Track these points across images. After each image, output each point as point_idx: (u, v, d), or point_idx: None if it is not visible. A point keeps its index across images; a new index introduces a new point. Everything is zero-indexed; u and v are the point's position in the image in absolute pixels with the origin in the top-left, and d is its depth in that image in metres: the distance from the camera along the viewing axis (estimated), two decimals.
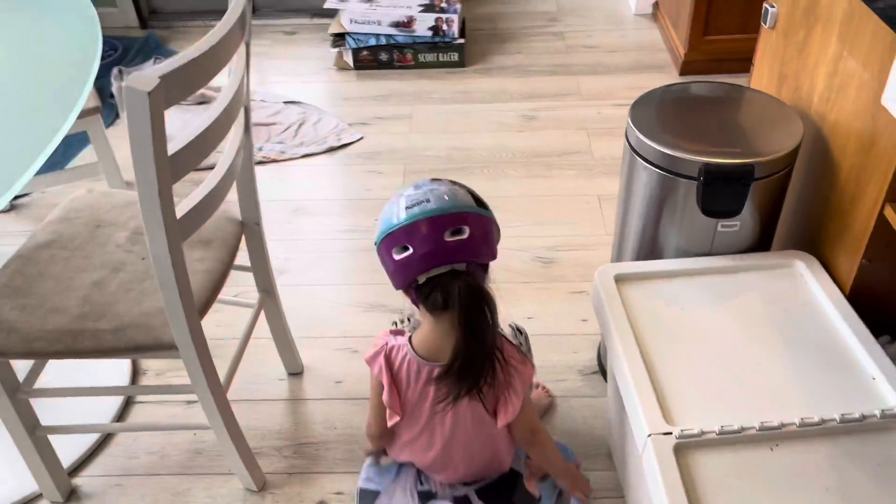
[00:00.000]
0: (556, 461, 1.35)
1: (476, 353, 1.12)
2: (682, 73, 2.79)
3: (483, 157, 2.44)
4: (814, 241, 1.42)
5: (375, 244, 1.15)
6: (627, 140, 1.41)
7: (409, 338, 1.23)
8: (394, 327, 1.44)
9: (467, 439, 1.25)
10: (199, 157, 1.10)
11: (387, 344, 1.24)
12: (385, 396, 1.23)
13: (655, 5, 3.18)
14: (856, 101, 1.25)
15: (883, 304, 1.29)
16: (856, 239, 1.26)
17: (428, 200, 1.10)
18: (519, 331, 1.46)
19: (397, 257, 1.11)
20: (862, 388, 1.14)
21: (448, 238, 1.09)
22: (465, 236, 1.10)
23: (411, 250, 1.09)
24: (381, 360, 1.22)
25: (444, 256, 1.10)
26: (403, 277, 1.14)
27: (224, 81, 1.20)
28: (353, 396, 1.68)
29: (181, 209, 1.10)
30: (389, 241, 1.11)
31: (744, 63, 2.25)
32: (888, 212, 1.17)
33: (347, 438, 1.59)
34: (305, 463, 1.55)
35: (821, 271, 1.34)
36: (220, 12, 1.12)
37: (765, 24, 1.60)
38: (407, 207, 1.10)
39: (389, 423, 1.26)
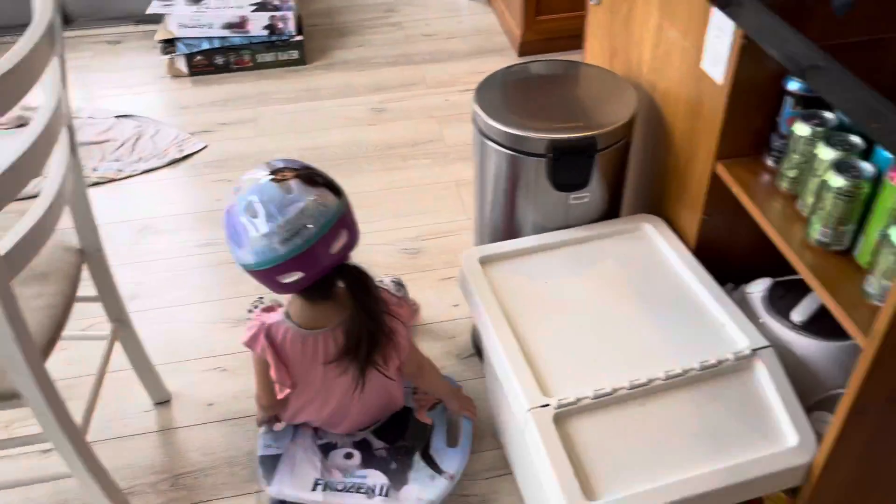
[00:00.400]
0: (443, 386, 1.46)
1: (372, 328, 1.20)
2: (521, 55, 2.86)
3: (336, 153, 2.40)
4: (659, 203, 1.51)
5: (247, 270, 1.13)
6: (475, 124, 1.42)
7: (286, 313, 1.25)
8: (254, 309, 1.44)
9: (364, 392, 1.28)
10: (18, 186, 0.99)
11: (263, 323, 1.25)
12: (273, 373, 1.25)
13: None
14: (680, 69, 1.33)
15: (725, 255, 1.38)
16: (694, 197, 1.35)
17: (305, 226, 1.08)
18: (400, 284, 1.50)
19: (286, 280, 1.13)
20: (715, 335, 1.22)
21: (335, 251, 1.12)
22: (346, 239, 1.14)
23: (303, 274, 1.12)
24: (262, 339, 1.24)
25: (333, 264, 1.14)
26: (291, 291, 1.19)
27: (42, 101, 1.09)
28: (228, 417, 1.60)
29: (5, 244, 0.99)
30: (274, 271, 1.11)
31: (577, 40, 2.34)
32: (719, 169, 1.25)
33: (227, 461, 1.52)
34: (185, 494, 1.47)
35: (667, 230, 1.42)
36: (23, 27, 1.02)
37: (591, 0, 1.67)
38: (286, 239, 1.07)
39: (280, 396, 1.30)
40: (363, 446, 1.40)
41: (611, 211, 1.49)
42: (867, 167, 1.01)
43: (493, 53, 2.91)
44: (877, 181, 0.99)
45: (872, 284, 0.97)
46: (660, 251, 1.39)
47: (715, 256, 1.37)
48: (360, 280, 1.18)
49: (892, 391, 0.97)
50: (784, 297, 1.28)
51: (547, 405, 1.11)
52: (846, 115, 1.00)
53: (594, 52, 1.73)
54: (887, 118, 0.82)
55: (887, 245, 0.93)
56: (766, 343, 1.19)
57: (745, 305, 1.30)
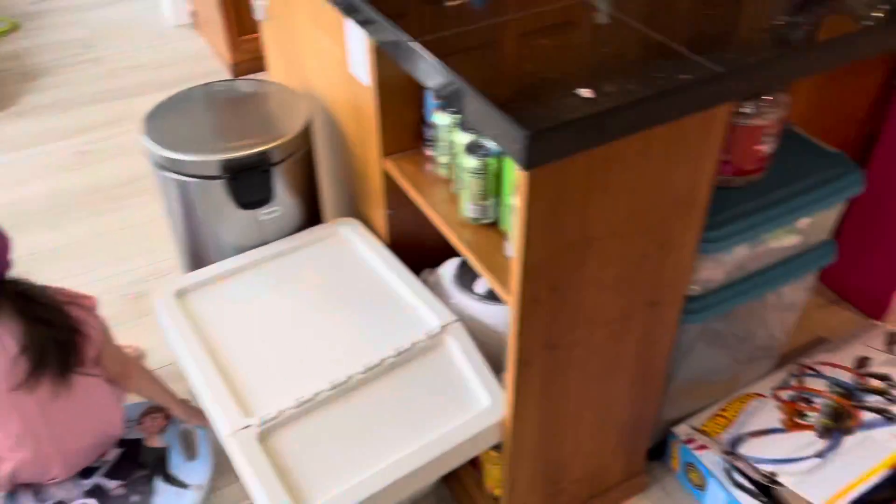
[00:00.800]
0: (160, 388, 1.40)
1: (55, 334, 1.15)
2: (236, 76, 2.82)
3: (39, 207, 2.21)
4: (354, 205, 1.56)
5: None
6: (148, 156, 1.38)
7: None
8: None
9: (67, 405, 1.21)
10: None
11: None
12: None
13: (193, 14, 3.16)
14: (337, 75, 1.38)
15: (418, 243, 1.46)
16: (376, 194, 1.41)
17: None
18: None
19: None
20: (410, 321, 1.29)
21: None
22: None
23: None
24: None
25: None
26: None
27: None
28: None
29: None
30: None
31: None
32: (387, 165, 1.32)
33: None
34: None
35: (363, 231, 1.47)
36: None
37: (259, 17, 1.69)
38: None
39: None
40: (97, 493, 1.31)
41: (310, 220, 1.52)
42: (493, 146, 1.12)
43: (206, 77, 2.78)
44: (501, 157, 1.10)
45: (510, 248, 1.08)
46: (357, 252, 1.44)
47: (409, 247, 1.44)
48: (21, 295, 1.13)
49: (545, 339, 1.08)
50: (469, 272, 1.38)
51: (249, 426, 1.11)
52: (443, 102, 1.09)
53: (274, 66, 1.75)
54: (469, 103, 0.90)
55: (512, 212, 1.04)
56: (453, 318, 1.27)
57: (438, 287, 1.38)
